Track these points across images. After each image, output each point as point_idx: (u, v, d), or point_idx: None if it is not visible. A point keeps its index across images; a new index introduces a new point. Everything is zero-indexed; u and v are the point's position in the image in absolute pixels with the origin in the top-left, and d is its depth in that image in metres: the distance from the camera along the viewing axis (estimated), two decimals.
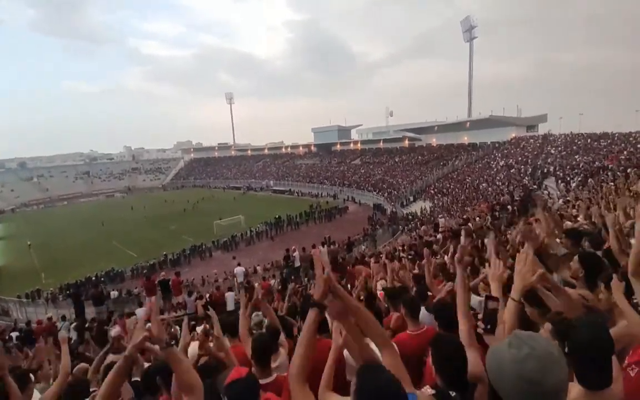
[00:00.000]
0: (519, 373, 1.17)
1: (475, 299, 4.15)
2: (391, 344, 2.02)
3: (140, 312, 12.13)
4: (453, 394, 1.87)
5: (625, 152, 30.63)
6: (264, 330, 4.04)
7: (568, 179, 28.47)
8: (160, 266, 27.74)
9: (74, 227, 50.23)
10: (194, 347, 3.43)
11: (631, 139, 34.72)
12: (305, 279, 15.43)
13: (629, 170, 22.50)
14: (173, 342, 2.52)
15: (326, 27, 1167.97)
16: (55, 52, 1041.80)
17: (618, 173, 22.59)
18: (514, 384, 1.18)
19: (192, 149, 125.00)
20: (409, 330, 3.37)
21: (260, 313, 4.92)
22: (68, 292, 22.85)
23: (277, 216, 39.59)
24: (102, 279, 26.42)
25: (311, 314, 1.97)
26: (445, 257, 8.37)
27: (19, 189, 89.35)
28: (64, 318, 12.77)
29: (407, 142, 67.91)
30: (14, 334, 11.38)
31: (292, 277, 16.55)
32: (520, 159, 42.14)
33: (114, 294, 19.74)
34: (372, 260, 13.10)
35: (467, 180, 42.08)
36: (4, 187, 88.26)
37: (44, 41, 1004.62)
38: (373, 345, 2.19)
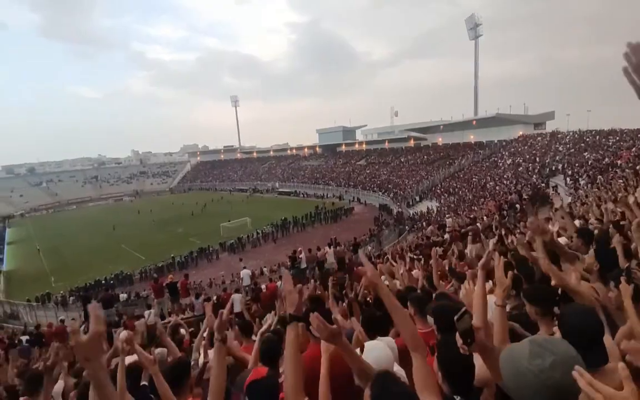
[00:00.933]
0: (546, 383, 1.17)
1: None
2: (423, 346, 1.99)
3: (149, 314, 12.18)
4: (458, 398, 1.86)
5: (634, 149, 30.35)
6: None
7: (577, 176, 28.27)
8: (168, 269, 27.87)
9: (83, 231, 50.70)
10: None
11: None
12: (312, 281, 15.42)
13: (638, 168, 22.30)
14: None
15: (328, 28, 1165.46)
16: (61, 57, 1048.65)
17: (627, 170, 22.40)
18: (539, 393, 1.18)
19: (198, 152, 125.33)
20: (417, 329, 3.35)
21: (268, 317, 4.94)
22: (78, 295, 23.01)
23: (283, 218, 39.67)
24: (112, 281, 26.60)
25: (290, 332, 1.96)
26: (453, 258, 8.33)
27: (29, 194, 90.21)
28: (74, 322, 12.83)
29: (412, 141, 67.65)
30: (24, 338, 11.45)
31: (299, 279, 16.55)
32: (527, 157, 41.86)
33: (123, 296, 19.85)
34: (379, 261, 13.08)
35: (474, 179, 41.88)
36: (14, 192, 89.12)
37: (49, 46, 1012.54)
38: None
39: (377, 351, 2.27)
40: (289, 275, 2.20)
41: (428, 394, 1.76)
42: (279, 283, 15.24)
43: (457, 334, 2.12)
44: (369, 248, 25.78)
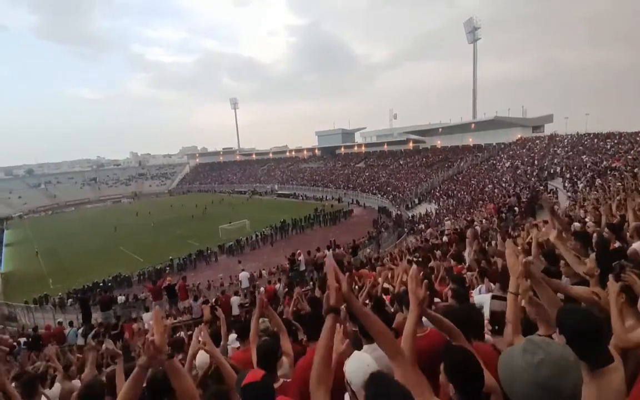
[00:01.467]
0: (534, 380, 1.16)
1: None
2: (402, 354, 1.96)
3: (147, 316, 12.17)
4: None
5: (632, 152, 30.43)
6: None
7: (575, 179, 28.31)
8: (167, 271, 27.78)
9: (81, 232, 50.58)
10: (203, 356, 3.40)
11: (638, 138, 34.46)
12: (311, 283, 15.41)
13: (636, 170, 22.36)
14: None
15: (328, 30, 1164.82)
16: (60, 59, 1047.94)
17: (625, 173, 22.44)
18: (528, 391, 1.17)
19: (197, 154, 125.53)
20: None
21: (266, 319, 4.90)
22: (76, 297, 22.94)
23: (282, 220, 39.64)
24: (110, 284, 26.53)
25: (329, 321, 2.03)
26: (452, 261, 8.33)
27: (27, 195, 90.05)
28: (71, 324, 12.82)
29: (411, 144, 67.75)
30: (22, 340, 11.43)
31: (298, 281, 16.53)
32: (526, 160, 41.97)
33: (121, 298, 19.82)
34: (379, 263, 13.07)
35: (473, 182, 41.93)
36: (12, 194, 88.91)
37: (49, 48, 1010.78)
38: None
39: (359, 372, 2.19)
40: (334, 266, 2.15)
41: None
42: (277, 286, 15.24)
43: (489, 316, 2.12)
44: (368, 250, 25.77)
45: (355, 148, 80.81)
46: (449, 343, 2.34)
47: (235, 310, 12.37)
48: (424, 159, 59.17)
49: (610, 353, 1.79)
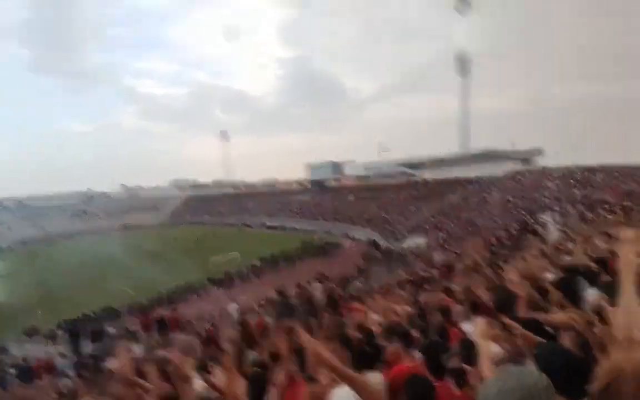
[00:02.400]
0: None
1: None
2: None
3: (136, 349, 12.12)
4: None
5: (622, 185, 30.80)
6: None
7: (565, 212, 28.54)
8: (157, 303, 27.50)
9: (71, 264, 49.76)
10: (200, 384, 3.48)
11: (628, 171, 34.89)
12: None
13: (625, 204, 22.74)
14: None
15: (318, 63, 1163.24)
16: (51, 93, 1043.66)
17: (616, 207, 22.79)
18: None
19: (187, 187, 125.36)
20: (405, 363, 3.45)
21: (254, 352, 5.00)
22: (66, 328, 22.64)
23: (271, 253, 39.49)
24: (100, 316, 26.18)
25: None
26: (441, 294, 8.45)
27: (16, 226, 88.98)
28: (62, 355, 12.71)
29: (401, 177, 68.17)
30: (12, 371, 11.31)
31: (287, 314, 16.48)
32: (516, 193, 42.22)
33: (111, 331, 19.62)
34: (368, 297, 13.17)
35: (462, 214, 42.14)
36: (1, 226, 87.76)
37: (39, 81, 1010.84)
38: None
39: None
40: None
41: None
42: (267, 318, 15.21)
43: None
44: (358, 283, 25.69)
45: (345, 181, 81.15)
46: (412, 375, 2.44)
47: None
48: (414, 192, 59.52)
49: (585, 389, 1.89)
